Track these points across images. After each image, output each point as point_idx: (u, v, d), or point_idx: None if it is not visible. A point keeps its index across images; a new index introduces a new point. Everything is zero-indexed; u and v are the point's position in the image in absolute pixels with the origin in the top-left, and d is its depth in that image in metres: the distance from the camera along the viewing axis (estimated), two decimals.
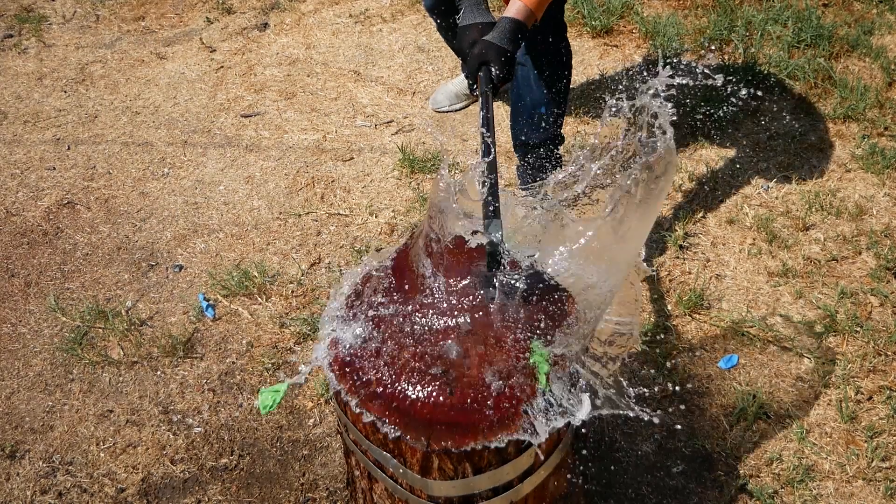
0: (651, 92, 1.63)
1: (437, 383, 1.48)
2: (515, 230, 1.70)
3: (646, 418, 1.53)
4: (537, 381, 1.45)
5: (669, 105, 1.61)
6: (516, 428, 1.43)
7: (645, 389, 2.29)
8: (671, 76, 1.63)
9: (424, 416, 1.43)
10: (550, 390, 1.44)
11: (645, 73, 3.51)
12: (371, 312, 1.63)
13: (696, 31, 3.67)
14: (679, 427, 2.21)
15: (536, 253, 1.63)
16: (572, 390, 1.45)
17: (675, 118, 1.59)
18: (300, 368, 1.69)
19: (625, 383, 1.53)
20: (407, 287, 1.66)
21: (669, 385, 2.29)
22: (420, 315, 1.59)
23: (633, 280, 1.75)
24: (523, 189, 2.82)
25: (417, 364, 1.51)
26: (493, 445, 1.41)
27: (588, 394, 1.45)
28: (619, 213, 1.51)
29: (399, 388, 1.48)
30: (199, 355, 2.50)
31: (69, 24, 4.19)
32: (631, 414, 1.50)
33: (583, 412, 1.42)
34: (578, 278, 1.57)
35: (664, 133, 1.57)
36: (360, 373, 1.51)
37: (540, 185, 1.79)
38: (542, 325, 1.55)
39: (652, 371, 2.34)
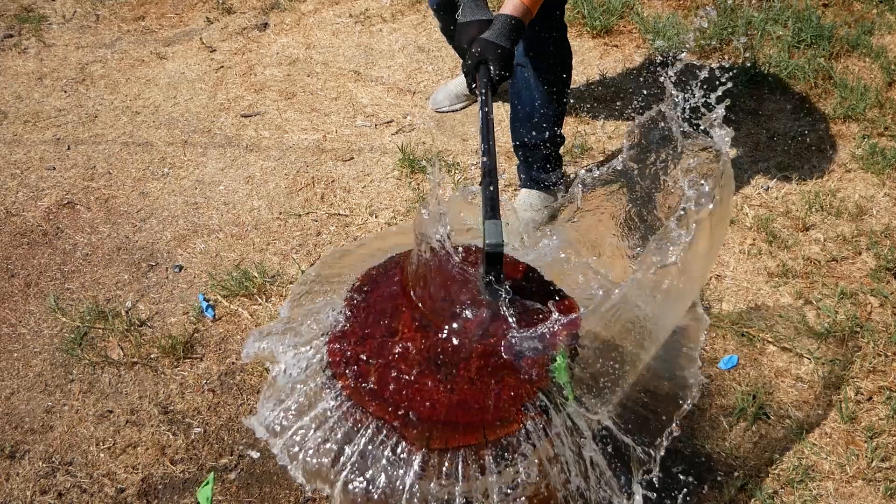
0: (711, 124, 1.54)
1: (438, 382, 1.48)
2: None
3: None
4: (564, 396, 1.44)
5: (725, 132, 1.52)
6: (517, 427, 1.43)
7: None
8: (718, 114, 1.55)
9: (424, 416, 1.43)
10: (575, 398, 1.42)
11: (645, 73, 3.51)
12: (370, 312, 1.63)
13: (695, 31, 3.67)
14: (679, 427, 2.21)
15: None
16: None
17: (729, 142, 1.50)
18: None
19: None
20: (407, 288, 1.66)
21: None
22: (419, 316, 1.59)
23: (693, 333, 1.63)
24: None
25: (417, 364, 1.51)
26: (493, 444, 1.41)
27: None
28: (692, 236, 1.36)
29: (399, 387, 1.48)
30: (199, 356, 2.50)
31: (69, 24, 4.19)
32: None
33: None
34: (646, 313, 1.45)
35: (719, 157, 1.48)
36: (360, 373, 1.51)
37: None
38: (543, 325, 1.55)
39: None
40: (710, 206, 1.36)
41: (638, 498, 1.28)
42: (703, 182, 1.39)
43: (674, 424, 1.52)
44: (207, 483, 1.91)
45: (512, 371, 1.48)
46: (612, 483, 1.32)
